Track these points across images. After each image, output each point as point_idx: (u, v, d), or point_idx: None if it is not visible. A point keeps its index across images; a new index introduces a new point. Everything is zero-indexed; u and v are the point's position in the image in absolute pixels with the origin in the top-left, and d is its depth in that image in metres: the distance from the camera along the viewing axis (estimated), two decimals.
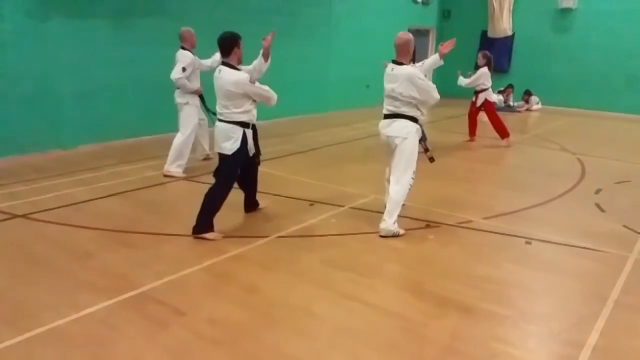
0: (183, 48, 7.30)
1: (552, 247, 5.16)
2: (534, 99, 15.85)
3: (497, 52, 16.39)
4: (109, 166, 7.67)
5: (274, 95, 5.05)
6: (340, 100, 13.95)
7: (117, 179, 7.04)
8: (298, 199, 6.39)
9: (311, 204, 6.24)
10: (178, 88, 7.32)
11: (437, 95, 5.20)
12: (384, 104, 5.39)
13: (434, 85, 5.18)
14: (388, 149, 5.44)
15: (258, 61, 5.41)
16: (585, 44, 15.42)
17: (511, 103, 15.69)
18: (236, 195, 6.22)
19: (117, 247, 4.87)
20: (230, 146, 5.04)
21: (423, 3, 16.82)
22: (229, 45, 4.97)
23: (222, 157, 5.17)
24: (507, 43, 16.76)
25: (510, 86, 15.94)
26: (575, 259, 4.92)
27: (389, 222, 5.22)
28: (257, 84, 4.97)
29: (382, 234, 5.25)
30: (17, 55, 7.87)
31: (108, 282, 4.19)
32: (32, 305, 3.83)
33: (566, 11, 15.64)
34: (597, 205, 6.45)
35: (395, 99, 5.21)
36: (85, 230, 5.26)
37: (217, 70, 5.06)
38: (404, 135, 5.20)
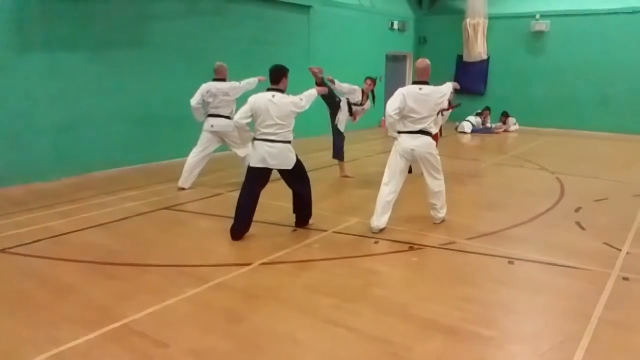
0: (218, 80, 7.74)
1: (535, 266, 5.19)
2: (511, 120, 16.07)
3: (473, 76, 16.73)
4: (90, 197, 7.57)
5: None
6: (321, 125, 13.98)
7: (98, 210, 6.96)
8: (280, 224, 6.37)
9: (293, 230, 6.22)
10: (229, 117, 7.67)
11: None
12: (405, 122, 6.00)
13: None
14: (405, 163, 6.11)
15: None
16: (558, 65, 15.71)
17: (489, 125, 15.89)
18: (222, 222, 6.20)
19: (99, 279, 4.80)
20: (294, 157, 5.84)
21: (399, 30, 17.03)
22: (279, 75, 5.76)
23: (292, 169, 5.84)
24: (482, 66, 17.00)
25: (487, 108, 16.13)
26: (558, 277, 4.95)
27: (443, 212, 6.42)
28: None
29: (439, 222, 6.41)
30: None
31: (89, 315, 4.12)
32: (9, 341, 3.75)
33: (539, 34, 15.97)
34: (578, 224, 6.52)
35: (424, 117, 5.93)
36: (66, 263, 5.18)
37: (268, 95, 5.68)
38: (431, 149, 6.10)
